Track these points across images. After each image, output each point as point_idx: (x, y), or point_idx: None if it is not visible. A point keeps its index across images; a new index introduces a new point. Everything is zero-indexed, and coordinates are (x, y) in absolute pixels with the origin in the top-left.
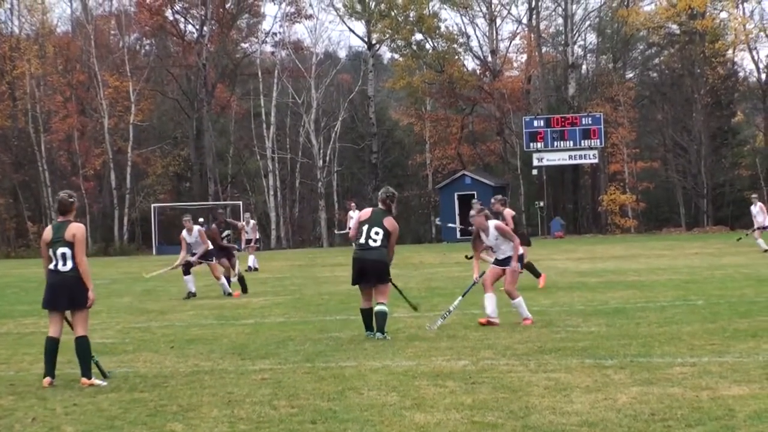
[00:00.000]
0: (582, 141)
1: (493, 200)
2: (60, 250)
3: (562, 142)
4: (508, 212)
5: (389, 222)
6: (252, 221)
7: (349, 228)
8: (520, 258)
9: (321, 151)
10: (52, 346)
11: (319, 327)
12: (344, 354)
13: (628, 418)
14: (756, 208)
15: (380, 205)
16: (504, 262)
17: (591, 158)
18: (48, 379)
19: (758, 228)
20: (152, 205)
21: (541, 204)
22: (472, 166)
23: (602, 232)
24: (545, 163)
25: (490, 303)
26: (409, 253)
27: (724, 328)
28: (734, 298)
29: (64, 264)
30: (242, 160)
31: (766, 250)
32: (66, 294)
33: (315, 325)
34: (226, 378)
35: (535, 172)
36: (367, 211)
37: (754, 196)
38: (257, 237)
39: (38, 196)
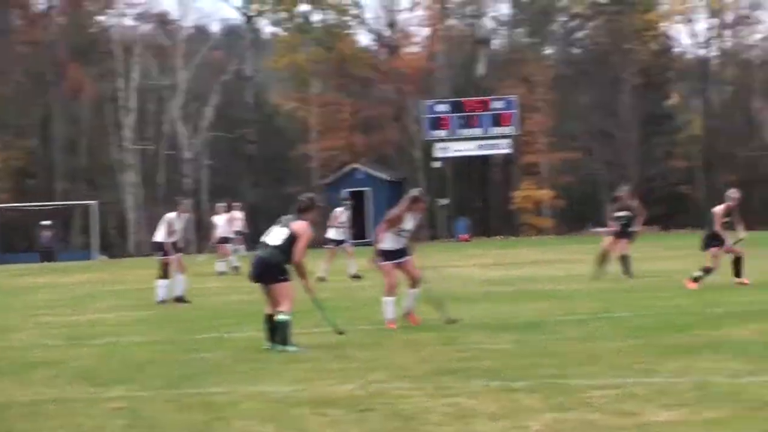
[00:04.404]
0: (493, 128)
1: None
2: None
3: (469, 130)
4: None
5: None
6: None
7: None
8: None
9: (189, 141)
10: None
11: (187, 347)
12: (214, 378)
13: None
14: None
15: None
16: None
17: (503, 148)
18: None
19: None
20: None
21: (445, 202)
22: (365, 158)
23: (515, 234)
24: (450, 153)
25: None
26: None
27: (652, 345)
28: (665, 309)
29: None
30: (97, 153)
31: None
32: None
33: (181, 345)
34: (74, 407)
35: (437, 164)
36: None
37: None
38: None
39: None
